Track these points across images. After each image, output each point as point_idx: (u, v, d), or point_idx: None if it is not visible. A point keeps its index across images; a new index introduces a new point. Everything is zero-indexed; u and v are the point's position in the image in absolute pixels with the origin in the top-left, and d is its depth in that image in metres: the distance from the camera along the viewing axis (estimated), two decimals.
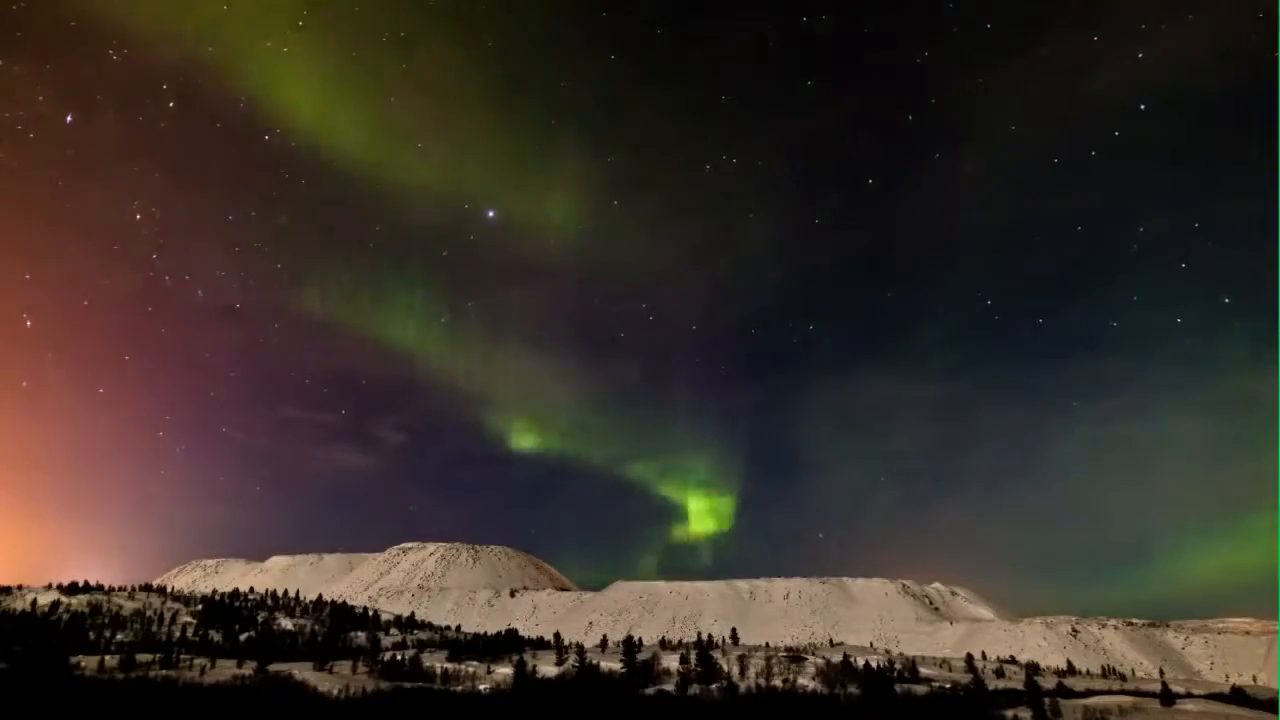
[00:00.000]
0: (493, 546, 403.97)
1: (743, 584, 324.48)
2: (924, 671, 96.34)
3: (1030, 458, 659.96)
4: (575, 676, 62.79)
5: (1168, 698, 60.54)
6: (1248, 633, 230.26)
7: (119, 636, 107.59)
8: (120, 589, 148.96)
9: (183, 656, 78.26)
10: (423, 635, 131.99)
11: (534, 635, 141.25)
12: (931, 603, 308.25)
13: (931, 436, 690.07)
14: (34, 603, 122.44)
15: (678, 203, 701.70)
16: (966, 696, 63.36)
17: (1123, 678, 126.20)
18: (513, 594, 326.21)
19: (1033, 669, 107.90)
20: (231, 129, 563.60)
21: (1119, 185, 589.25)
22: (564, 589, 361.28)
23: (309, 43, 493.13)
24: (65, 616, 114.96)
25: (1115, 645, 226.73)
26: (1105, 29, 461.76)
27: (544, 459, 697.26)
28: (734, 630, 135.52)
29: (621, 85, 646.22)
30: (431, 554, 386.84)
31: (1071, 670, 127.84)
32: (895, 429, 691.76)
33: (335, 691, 51.44)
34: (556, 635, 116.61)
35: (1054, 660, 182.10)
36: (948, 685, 76.79)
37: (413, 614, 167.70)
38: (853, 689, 63.48)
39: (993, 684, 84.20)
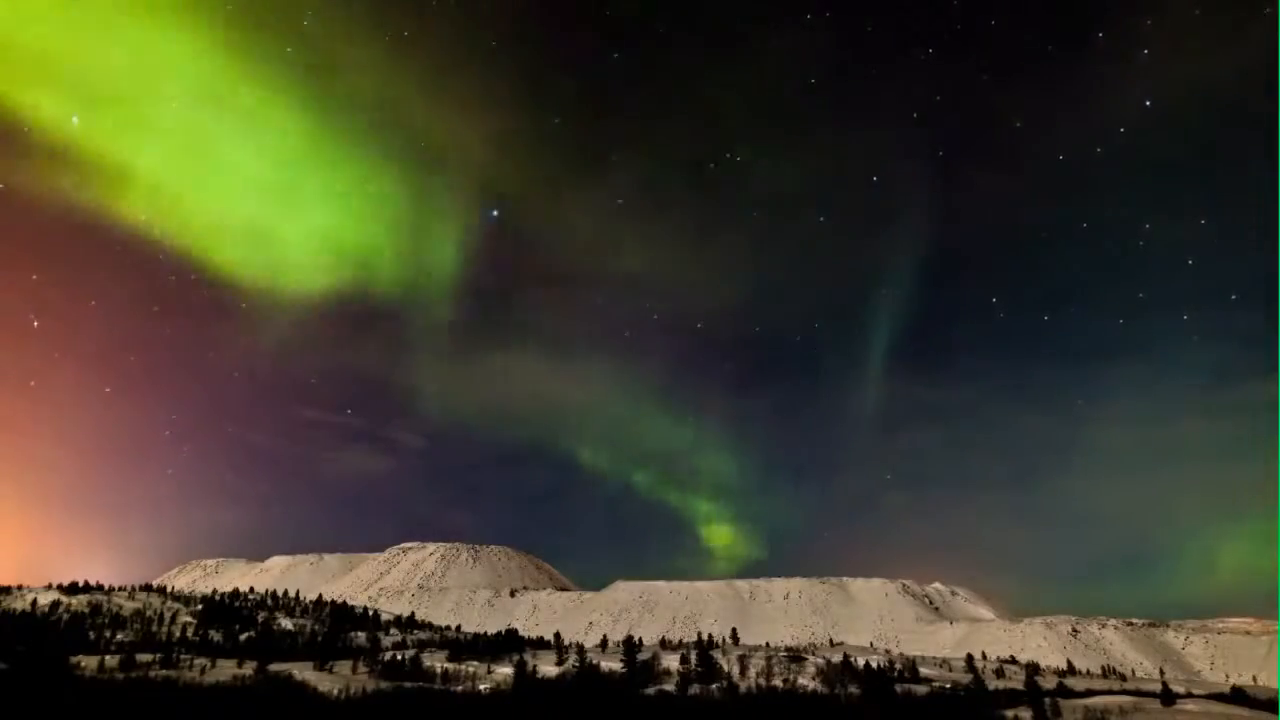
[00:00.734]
0: (493, 546, 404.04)
1: (743, 584, 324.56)
2: (924, 671, 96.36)
3: (1031, 458, 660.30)
4: (576, 676, 62.76)
5: (1168, 698, 60.51)
6: (1248, 633, 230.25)
7: (119, 636, 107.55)
8: (120, 589, 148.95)
9: (183, 656, 78.23)
10: (423, 635, 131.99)
11: (534, 635, 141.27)
12: (931, 603, 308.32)
13: (932, 437, 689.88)
14: (34, 603, 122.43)
15: (682, 202, 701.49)
16: (967, 696, 63.33)
17: (1123, 678, 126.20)
18: (513, 594, 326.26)
19: (1033, 669, 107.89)
20: (235, 126, 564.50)
21: (1125, 183, 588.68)
22: (564, 589, 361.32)
23: (312, 43, 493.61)
24: (65, 616, 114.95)
25: (1115, 645, 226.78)
26: (1111, 26, 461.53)
27: (551, 460, 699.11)
28: (734, 630, 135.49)
29: (621, 84, 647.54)
30: (431, 554, 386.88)
31: (1072, 670, 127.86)
32: (899, 429, 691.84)
33: (335, 691, 51.42)
34: (557, 635, 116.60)
35: (1054, 660, 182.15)
36: (948, 685, 76.77)
37: (413, 614, 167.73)
38: (853, 689, 63.46)
39: (993, 684, 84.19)
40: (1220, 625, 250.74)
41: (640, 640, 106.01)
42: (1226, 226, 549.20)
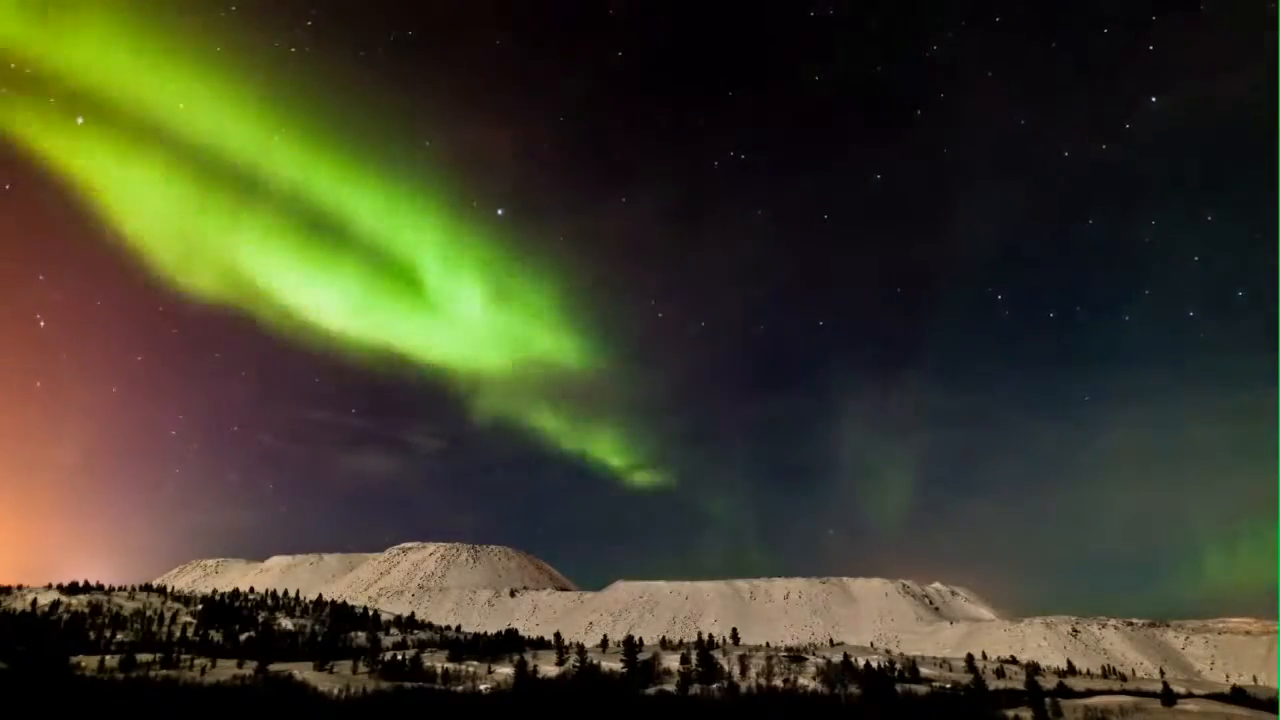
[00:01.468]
0: (493, 546, 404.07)
1: (743, 584, 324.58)
2: (924, 671, 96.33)
3: (1033, 458, 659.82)
4: (576, 676, 62.75)
5: (1169, 698, 60.49)
6: (1248, 633, 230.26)
7: (119, 636, 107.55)
8: (120, 589, 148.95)
9: (183, 656, 78.21)
10: (423, 635, 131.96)
11: (534, 635, 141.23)
12: (931, 603, 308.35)
13: (933, 436, 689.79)
14: (34, 603, 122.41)
15: (687, 202, 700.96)
16: (967, 696, 63.31)
17: (1123, 678, 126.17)
18: (513, 594, 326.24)
19: (1033, 669, 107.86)
20: (239, 128, 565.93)
21: (1130, 180, 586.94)
22: (564, 589, 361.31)
23: (317, 43, 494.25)
24: (65, 616, 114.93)
25: (1115, 645, 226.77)
26: (1116, 23, 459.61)
27: (562, 461, 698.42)
28: (734, 630, 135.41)
29: (626, 84, 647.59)
30: (431, 554, 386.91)
31: (1072, 670, 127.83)
32: (900, 429, 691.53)
33: (336, 691, 51.40)
34: (557, 635, 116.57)
35: (1054, 660, 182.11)
36: (948, 685, 76.76)
37: (413, 614, 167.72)
38: (853, 689, 63.43)
39: (993, 684, 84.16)
40: (1220, 625, 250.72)
41: (640, 640, 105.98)
42: (1232, 223, 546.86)
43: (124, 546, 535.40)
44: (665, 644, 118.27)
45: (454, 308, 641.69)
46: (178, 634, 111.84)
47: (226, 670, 66.53)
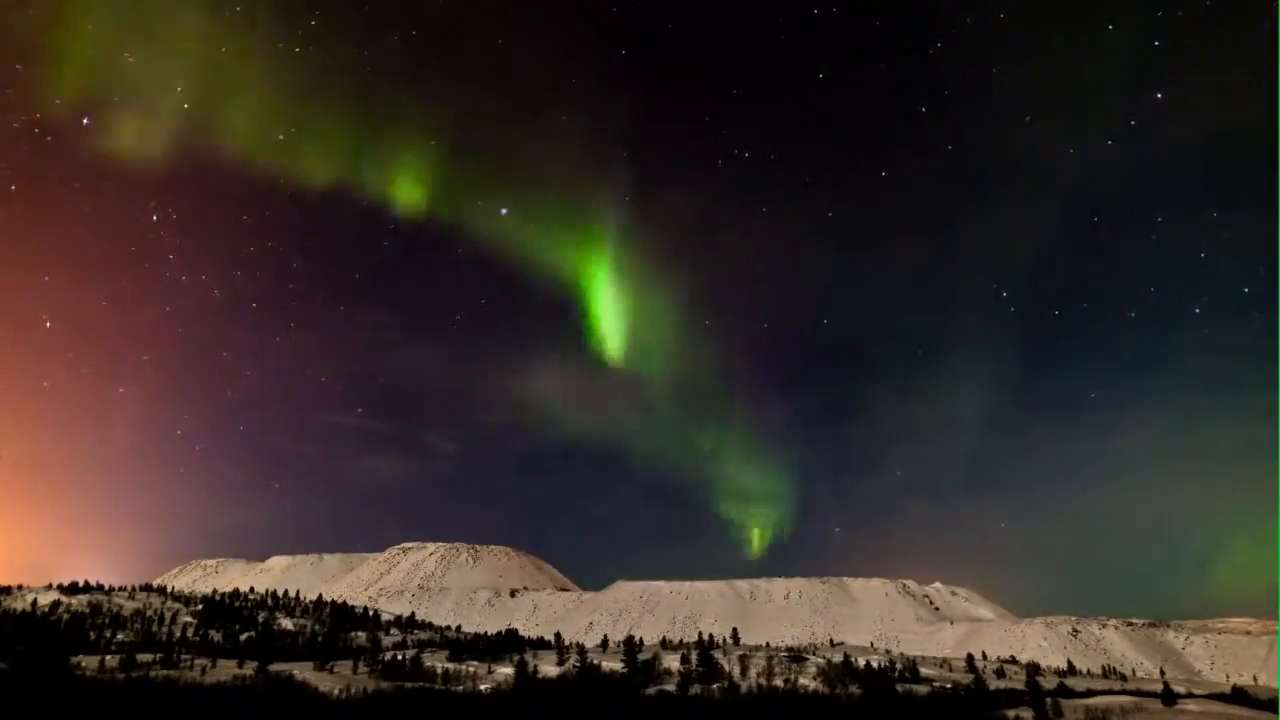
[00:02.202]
0: (493, 546, 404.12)
1: (743, 584, 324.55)
2: (925, 671, 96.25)
3: (1034, 458, 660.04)
4: (576, 676, 62.69)
5: (1169, 698, 60.42)
6: (1248, 633, 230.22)
7: (119, 636, 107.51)
8: (120, 589, 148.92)
9: (183, 657, 78.18)
10: (423, 635, 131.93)
11: (534, 635, 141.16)
12: (932, 603, 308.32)
13: (934, 436, 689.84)
14: (34, 603, 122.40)
15: (689, 200, 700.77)
16: (968, 696, 63.28)
17: (1123, 678, 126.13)
18: (513, 594, 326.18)
19: (1033, 669, 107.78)
20: (245, 129, 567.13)
21: (1135, 176, 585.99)
22: (564, 589, 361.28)
23: (321, 43, 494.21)
24: (65, 616, 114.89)
25: (1116, 645, 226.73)
26: (1121, 18, 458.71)
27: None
28: (735, 630, 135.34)
29: (641, 82, 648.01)
30: (431, 554, 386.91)
31: (1072, 670, 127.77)
32: (901, 428, 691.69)
33: (336, 691, 51.37)
34: (557, 635, 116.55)
35: (1054, 660, 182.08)
36: (949, 685, 76.72)
37: (413, 614, 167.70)
38: (854, 689, 63.41)
39: (994, 684, 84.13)
40: (1220, 625, 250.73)
41: (641, 640, 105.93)
42: (1238, 219, 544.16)
43: (124, 547, 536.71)
44: (665, 644, 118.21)
45: None
46: (178, 634, 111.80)
47: (227, 670, 66.48)
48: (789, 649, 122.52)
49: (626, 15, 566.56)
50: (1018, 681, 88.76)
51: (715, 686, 65.83)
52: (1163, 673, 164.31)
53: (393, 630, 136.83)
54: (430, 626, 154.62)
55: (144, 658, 74.57)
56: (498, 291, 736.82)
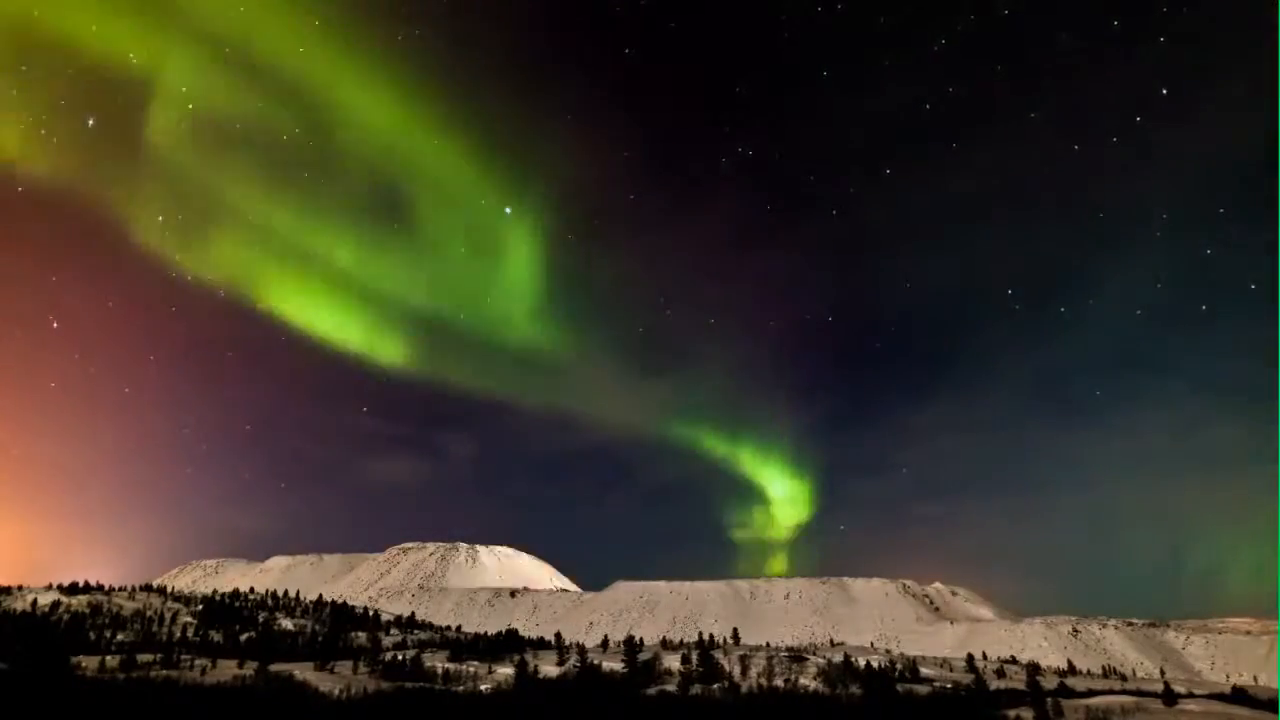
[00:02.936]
0: (493, 547, 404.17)
1: (743, 584, 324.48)
2: (925, 671, 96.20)
3: (1035, 458, 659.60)
4: (577, 676, 62.66)
5: (1170, 697, 60.37)
6: (1248, 633, 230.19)
7: (119, 637, 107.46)
8: (120, 589, 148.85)
9: (183, 657, 78.09)
10: (423, 635, 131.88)
11: (534, 635, 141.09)
12: (932, 603, 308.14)
13: (935, 435, 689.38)
14: (34, 603, 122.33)
15: (691, 201, 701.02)
16: (968, 696, 63.22)
17: (1123, 678, 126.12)
18: (513, 594, 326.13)
19: (1034, 669, 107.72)
20: (249, 130, 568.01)
21: (1141, 173, 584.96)
22: (564, 589, 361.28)
23: (324, 42, 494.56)
24: (65, 617, 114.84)
25: (1116, 645, 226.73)
26: (1126, 14, 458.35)
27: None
28: (735, 630, 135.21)
29: (642, 78, 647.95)
30: (431, 554, 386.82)
31: (1072, 670, 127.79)
32: (903, 427, 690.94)
33: (336, 691, 51.33)
34: (557, 635, 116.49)
35: (1054, 660, 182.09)
36: (949, 685, 76.69)
37: (413, 614, 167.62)
38: (855, 689, 63.38)
39: (994, 684, 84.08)
40: (1220, 625, 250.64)
41: (641, 640, 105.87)
42: (1244, 216, 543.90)
43: (124, 547, 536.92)
44: (666, 644, 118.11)
45: None
46: (178, 634, 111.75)
47: (227, 670, 66.42)
48: (789, 649, 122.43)
49: (628, 14, 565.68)
50: (1018, 681, 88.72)
51: (716, 686, 65.79)
52: (1163, 673, 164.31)
53: (393, 630, 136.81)
54: (430, 626, 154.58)
55: (144, 658, 74.48)
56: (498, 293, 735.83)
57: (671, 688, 63.95)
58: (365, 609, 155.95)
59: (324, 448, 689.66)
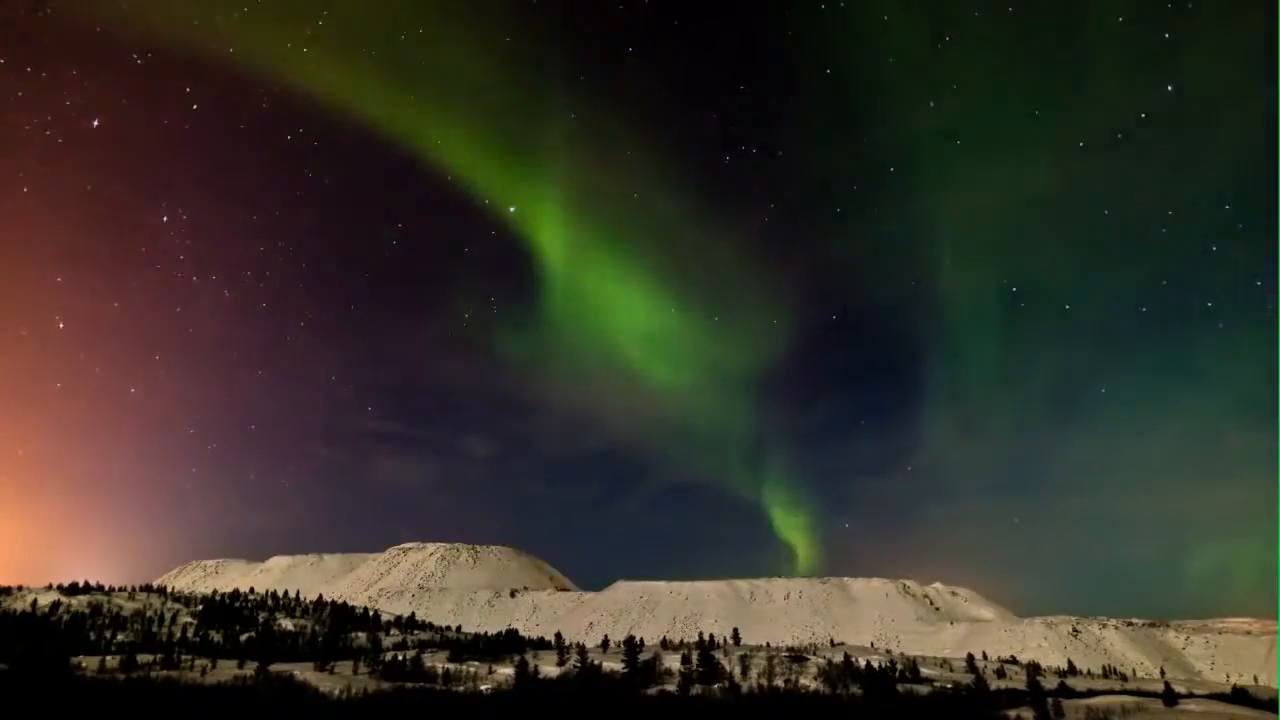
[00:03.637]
0: (493, 546, 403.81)
1: (743, 584, 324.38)
2: (925, 672, 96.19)
3: (1036, 457, 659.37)
4: (577, 677, 62.65)
5: (1170, 698, 60.37)
6: (1248, 632, 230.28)
7: (119, 637, 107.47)
8: (120, 589, 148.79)
9: (184, 657, 78.13)
10: (423, 636, 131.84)
11: (534, 636, 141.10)
12: (932, 603, 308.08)
13: (935, 436, 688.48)
14: (34, 603, 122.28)
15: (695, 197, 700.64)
16: (969, 696, 63.22)
17: (1124, 678, 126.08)
18: (513, 594, 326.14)
19: (1034, 669, 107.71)
20: (254, 130, 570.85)
21: (1146, 169, 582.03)
22: (564, 589, 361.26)
23: (329, 43, 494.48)
24: (65, 617, 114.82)
25: (1116, 645, 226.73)
26: (1130, 9, 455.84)
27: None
28: (735, 630, 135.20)
29: (648, 77, 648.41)
30: (431, 554, 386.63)
31: (1073, 670, 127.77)
32: (908, 428, 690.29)
33: (337, 692, 51.32)
34: (558, 635, 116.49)
35: (1055, 660, 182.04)
36: (950, 685, 76.68)
37: (413, 614, 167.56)
38: (855, 689, 63.36)
39: (994, 684, 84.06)
40: (1220, 625, 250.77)
41: (641, 640, 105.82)
42: (1250, 212, 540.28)
43: (125, 547, 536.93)
44: (666, 644, 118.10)
45: None
46: (178, 634, 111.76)
47: (227, 671, 66.42)
48: (789, 649, 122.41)
49: (631, 13, 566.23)
50: (1018, 681, 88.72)
51: (716, 687, 65.80)
52: (1163, 673, 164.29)
53: (393, 630, 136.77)
54: (430, 627, 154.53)
55: (144, 658, 74.51)
56: (506, 290, 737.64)
57: (672, 688, 63.94)
58: (365, 609, 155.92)
59: (329, 447, 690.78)
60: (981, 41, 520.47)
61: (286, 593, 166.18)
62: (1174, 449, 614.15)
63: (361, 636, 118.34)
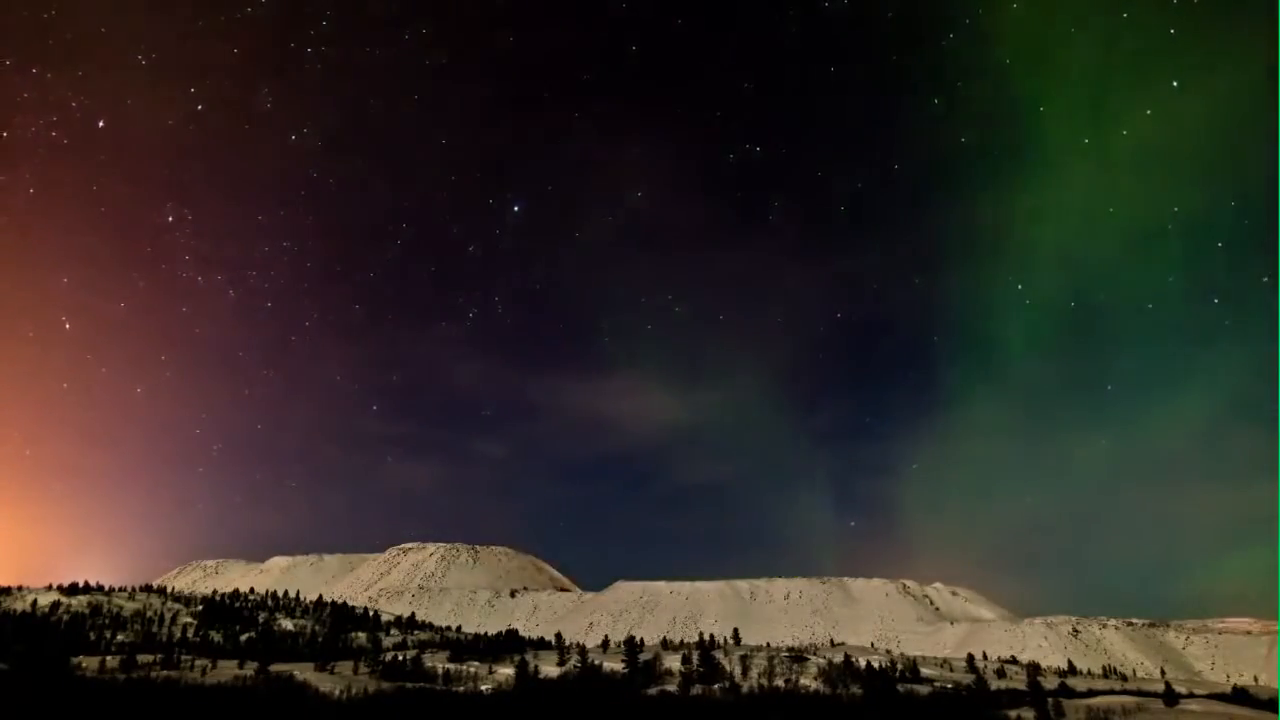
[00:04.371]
0: (493, 547, 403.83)
1: (743, 584, 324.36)
2: (925, 672, 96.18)
3: (1036, 458, 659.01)
4: (577, 677, 62.64)
5: (1171, 698, 60.33)
6: (1248, 633, 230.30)
7: (119, 637, 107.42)
8: (120, 590, 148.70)
9: (184, 657, 78.10)
10: (423, 636, 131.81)
11: (535, 636, 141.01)
12: (932, 603, 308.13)
13: (937, 435, 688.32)
14: (34, 603, 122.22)
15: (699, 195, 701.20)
16: (969, 697, 63.17)
17: (1124, 678, 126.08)
18: (513, 594, 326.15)
19: (1034, 669, 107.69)
20: (258, 129, 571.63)
21: (1151, 166, 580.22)
22: (564, 589, 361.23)
23: (330, 42, 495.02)
24: (65, 617, 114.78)
25: (1116, 645, 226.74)
26: (1135, 6, 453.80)
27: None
28: (736, 630, 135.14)
29: (643, 78, 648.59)
30: (431, 554, 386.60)
31: (1073, 670, 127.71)
32: (906, 427, 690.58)
33: (337, 692, 51.28)
34: (558, 635, 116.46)
35: (1055, 660, 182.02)
36: (950, 685, 76.65)
37: (413, 614, 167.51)
38: (855, 689, 63.33)
39: (995, 684, 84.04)
40: (1220, 625, 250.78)
41: (641, 640, 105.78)
42: (1256, 209, 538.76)
43: (125, 547, 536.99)
44: (666, 644, 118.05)
45: None
46: (178, 635, 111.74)
47: (227, 671, 66.38)
48: (790, 649, 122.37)
49: (635, 11, 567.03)
50: (1019, 682, 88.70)
51: (717, 687, 65.76)
52: (1163, 673, 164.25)
53: (393, 631, 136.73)
54: (430, 627, 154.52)
55: (144, 658, 74.46)
56: (509, 290, 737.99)
57: (672, 688, 63.92)
58: (365, 609, 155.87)
59: (334, 447, 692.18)
60: (985, 40, 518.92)
61: (286, 593, 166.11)
62: (1176, 449, 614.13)
63: (361, 637, 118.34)
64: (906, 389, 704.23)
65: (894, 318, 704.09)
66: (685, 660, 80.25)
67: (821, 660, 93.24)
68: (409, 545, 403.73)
